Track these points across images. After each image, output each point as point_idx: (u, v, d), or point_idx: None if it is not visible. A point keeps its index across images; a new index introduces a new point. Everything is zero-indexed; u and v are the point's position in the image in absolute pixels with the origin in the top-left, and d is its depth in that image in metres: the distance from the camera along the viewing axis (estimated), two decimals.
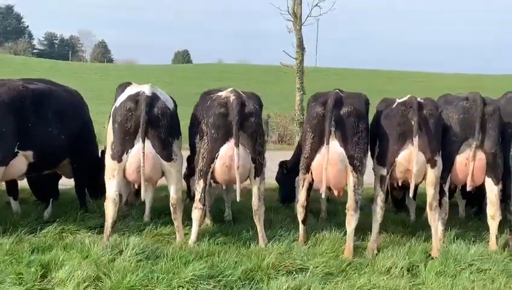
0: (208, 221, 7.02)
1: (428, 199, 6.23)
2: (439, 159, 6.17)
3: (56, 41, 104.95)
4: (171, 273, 4.82)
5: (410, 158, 6.00)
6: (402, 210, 7.96)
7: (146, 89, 5.82)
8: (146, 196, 6.82)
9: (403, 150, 6.05)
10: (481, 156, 6.21)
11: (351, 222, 6.00)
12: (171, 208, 6.09)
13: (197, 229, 6.05)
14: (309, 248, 6.04)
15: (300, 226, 6.33)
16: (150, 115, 5.67)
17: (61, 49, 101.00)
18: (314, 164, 6.03)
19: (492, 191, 6.31)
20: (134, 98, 5.74)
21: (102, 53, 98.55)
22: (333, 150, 5.85)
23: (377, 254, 5.96)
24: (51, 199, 6.99)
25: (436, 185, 6.22)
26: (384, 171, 6.17)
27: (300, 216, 6.29)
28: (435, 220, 6.22)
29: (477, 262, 5.58)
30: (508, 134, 6.44)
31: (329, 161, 5.81)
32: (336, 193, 6.29)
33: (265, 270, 5.18)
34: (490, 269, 5.48)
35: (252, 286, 4.88)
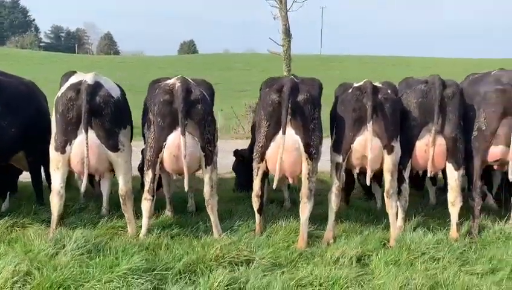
0: (168, 213, 6.90)
1: (386, 186, 6.05)
2: (396, 145, 5.97)
3: (63, 35, 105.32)
4: (107, 268, 4.69)
5: (365, 144, 5.81)
6: (372, 198, 7.76)
7: (88, 78, 5.66)
8: (103, 187, 6.74)
9: (358, 136, 5.86)
10: (441, 141, 6.00)
11: (305, 210, 5.84)
12: (121, 199, 5.96)
13: (146, 221, 5.91)
14: (264, 237, 5.88)
15: (257, 215, 6.18)
16: (92, 104, 5.51)
17: (67, 42, 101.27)
18: (269, 153, 5.85)
19: (453, 176, 6.12)
20: (76, 87, 5.59)
21: (108, 45, 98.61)
22: (289, 138, 5.69)
23: (331, 244, 5.81)
24: (8, 193, 6.89)
25: (393, 171, 6.02)
26: (340, 159, 5.99)
27: (255, 205, 6.13)
28: (392, 208, 6.05)
29: (432, 250, 5.41)
30: (470, 117, 6.21)
31: (285, 149, 5.65)
32: (290, 180, 6.11)
33: (207, 263, 5.04)
34: (444, 258, 5.30)
35: (190, 279, 4.74)
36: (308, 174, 5.82)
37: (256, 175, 6.04)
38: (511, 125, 5.99)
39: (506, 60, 45.52)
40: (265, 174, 6.13)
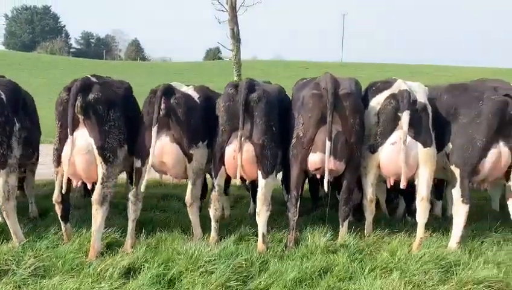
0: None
1: (187, 196, 5.73)
2: (196, 152, 5.69)
3: (93, 41, 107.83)
4: None
5: (163, 150, 5.49)
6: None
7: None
8: (27, 190, 6.85)
9: (158, 140, 5.52)
10: (249, 147, 5.59)
11: (97, 217, 5.51)
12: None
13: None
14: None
15: (61, 223, 5.87)
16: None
17: (97, 48, 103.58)
18: (63, 156, 5.54)
19: (260, 185, 5.67)
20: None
21: (136, 51, 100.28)
22: (80, 141, 5.40)
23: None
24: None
25: (195, 179, 5.74)
26: (138, 163, 5.66)
27: (58, 212, 5.82)
28: (193, 215, 5.86)
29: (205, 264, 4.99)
30: (292, 123, 5.79)
31: (76, 152, 5.37)
32: (89, 186, 5.78)
33: None
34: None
35: None
36: (103, 179, 5.50)
37: (56, 180, 5.73)
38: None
39: None
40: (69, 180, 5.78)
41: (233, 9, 14.58)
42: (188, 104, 5.58)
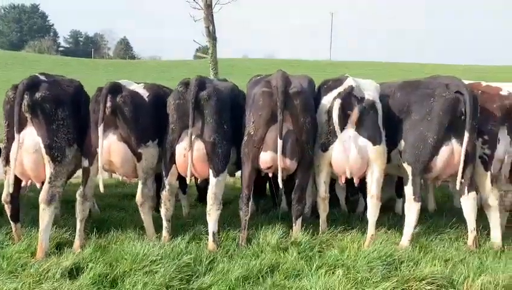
0: None
1: (137, 196, 5.76)
2: (146, 151, 5.66)
3: (81, 39, 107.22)
4: None
5: (110, 149, 5.46)
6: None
7: None
8: None
9: (105, 138, 5.48)
10: (199, 145, 5.56)
11: (44, 217, 5.47)
12: None
13: None
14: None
15: (12, 222, 5.81)
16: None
17: (85, 46, 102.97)
18: (11, 155, 5.49)
19: (211, 183, 5.67)
20: None
21: (124, 50, 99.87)
22: (28, 139, 5.36)
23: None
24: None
25: (145, 178, 5.73)
26: (86, 162, 5.63)
27: (7, 211, 5.77)
28: (145, 214, 5.85)
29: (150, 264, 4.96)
30: (244, 121, 5.79)
31: (24, 151, 5.33)
32: (38, 185, 5.73)
33: None
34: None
35: None
36: (51, 178, 5.46)
37: (5, 179, 5.69)
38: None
39: None
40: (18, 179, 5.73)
41: (208, 7, 14.49)
42: (135, 102, 5.54)
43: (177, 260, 5.04)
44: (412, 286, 4.75)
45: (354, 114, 5.49)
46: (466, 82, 6.78)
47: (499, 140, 6.10)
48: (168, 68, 58.19)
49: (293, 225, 5.91)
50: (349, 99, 5.51)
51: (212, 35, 14.76)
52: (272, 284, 4.86)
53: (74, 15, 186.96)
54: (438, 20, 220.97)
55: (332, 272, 5.01)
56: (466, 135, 5.51)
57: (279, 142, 5.36)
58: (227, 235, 5.99)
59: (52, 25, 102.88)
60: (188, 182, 5.77)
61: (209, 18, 14.57)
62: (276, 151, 5.46)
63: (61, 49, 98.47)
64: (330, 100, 5.71)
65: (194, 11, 14.68)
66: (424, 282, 4.78)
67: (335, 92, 5.69)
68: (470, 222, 5.86)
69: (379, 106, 5.75)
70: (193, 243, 5.71)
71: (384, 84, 6.46)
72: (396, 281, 4.77)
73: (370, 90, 5.77)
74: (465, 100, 5.54)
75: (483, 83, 6.82)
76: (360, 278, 4.85)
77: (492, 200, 6.04)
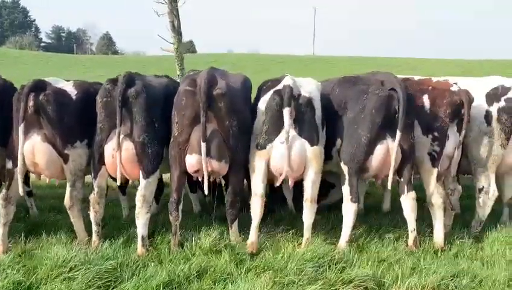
0: None
1: (65, 198, 5.58)
2: (73, 152, 5.47)
3: (63, 35, 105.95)
4: None
5: (34, 150, 5.25)
6: None
7: None
8: None
9: (28, 139, 5.28)
10: (128, 145, 5.36)
11: None
12: None
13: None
14: None
15: None
16: None
17: (68, 42, 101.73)
18: None
19: (141, 184, 5.50)
20: None
21: (108, 45, 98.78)
22: None
23: None
24: None
25: (74, 180, 5.54)
26: (10, 164, 5.42)
27: None
28: (74, 217, 5.72)
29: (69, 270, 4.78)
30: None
31: None
32: None
33: None
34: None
35: None
36: None
37: None
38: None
39: None
40: None
41: (172, 2, 14.19)
42: (60, 100, 5.33)
43: (99, 266, 4.84)
44: (338, 289, 4.63)
45: (289, 112, 5.29)
46: (417, 78, 6.73)
47: (448, 137, 6.00)
48: (150, 64, 57.56)
49: (229, 228, 5.74)
50: (286, 97, 5.29)
51: (176, 30, 14.45)
52: (198, 289, 4.72)
53: (56, 10, 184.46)
54: (427, 15, 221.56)
55: (261, 275, 4.87)
56: (398, 133, 5.39)
57: (203, 144, 5.14)
58: (163, 239, 5.81)
59: (34, 20, 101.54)
60: (118, 184, 5.58)
61: (174, 12, 14.24)
62: (201, 153, 5.22)
63: (43, 44, 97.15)
64: (267, 100, 5.53)
65: (157, 6, 14.35)
66: (351, 285, 4.68)
67: (271, 92, 5.51)
68: (410, 222, 5.75)
69: (317, 104, 5.57)
70: (127, 246, 5.53)
71: (328, 81, 6.31)
72: (323, 283, 4.65)
73: (308, 88, 5.60)
74: (399, 98, 5.41)
75: (434, 79, 6.73)
76: (286, 281, 4.73)
77: (436, 198, 5.95)
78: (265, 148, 5.48)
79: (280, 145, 5.40)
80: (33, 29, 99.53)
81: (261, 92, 5.88)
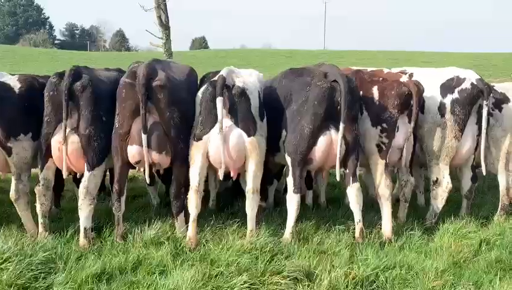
0: None
1: (11, 191, 5.66)
2: (17, 145, 5.53)
3: (77, 32, 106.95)
4: None
5: None
6: None
7: None
8: None
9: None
10: (74, 138, 5.42)
11: None
12: None
13: None
14: None
15: None
16: None
17: (82, 39, 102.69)
18: None
19: (85, 177, 5.53)
20: None
21: (120, 42, 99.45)
22: None
23: None
24: None
25: (19, 173, 5.63)
26: None
27: None
28: (21, 211, 5.77)
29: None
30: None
31: None
32: None
33: None
34: None
35: None
36: None
37: None
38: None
39: None
40: None
41: None
42: (1, 94, 5.39)
43: (33, 257, 4.89)
44: (265, 280, 4.62)
45: (222, 102, 5.27)
46: (370, 69, 6.67)
47: (398, 128, 5.95)
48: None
49: (175, 221, 5.76)
50: (218, 87, 5.28)
51: (164, 25, 14.50)
52: (130, 281, 4.73)
53: (70, 7, 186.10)
54: (433, 9, 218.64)
55: (196, 267, 4.88)
56: (341, 125, 5.35)
57: (144, 136, 5.19)
58: (111, 231, 5.84)
59: (48, 17, 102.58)
60: (64, 176, 5.63)
61: (161, 7, 14.29)
62: (142, 144, 5.28)
63: (57, 42, 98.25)
64: (202, 90, 5.54)
65: (144, 1, 14.44)
66: (279, 276, 4.65)
67: (207, 83, 5.52)
68: (355, 213, 5.71)
69: (253, 95, 5.55)
70: (72, 238, 5.58)
71: (279, 73, 6.29)
72: (250, 274, 4.63)
73: (244, 78, 5.58)
74: (341, 89, 5.36)
75: (386, 70, 6.68)
76: (215, 272, 4.73)
77: (383, 189, 5.91)
78: (201, 139, 5.47)
79: (216, 135, 5.37)
80: (47, 26, 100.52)
81: (202, 83, 5.89)
